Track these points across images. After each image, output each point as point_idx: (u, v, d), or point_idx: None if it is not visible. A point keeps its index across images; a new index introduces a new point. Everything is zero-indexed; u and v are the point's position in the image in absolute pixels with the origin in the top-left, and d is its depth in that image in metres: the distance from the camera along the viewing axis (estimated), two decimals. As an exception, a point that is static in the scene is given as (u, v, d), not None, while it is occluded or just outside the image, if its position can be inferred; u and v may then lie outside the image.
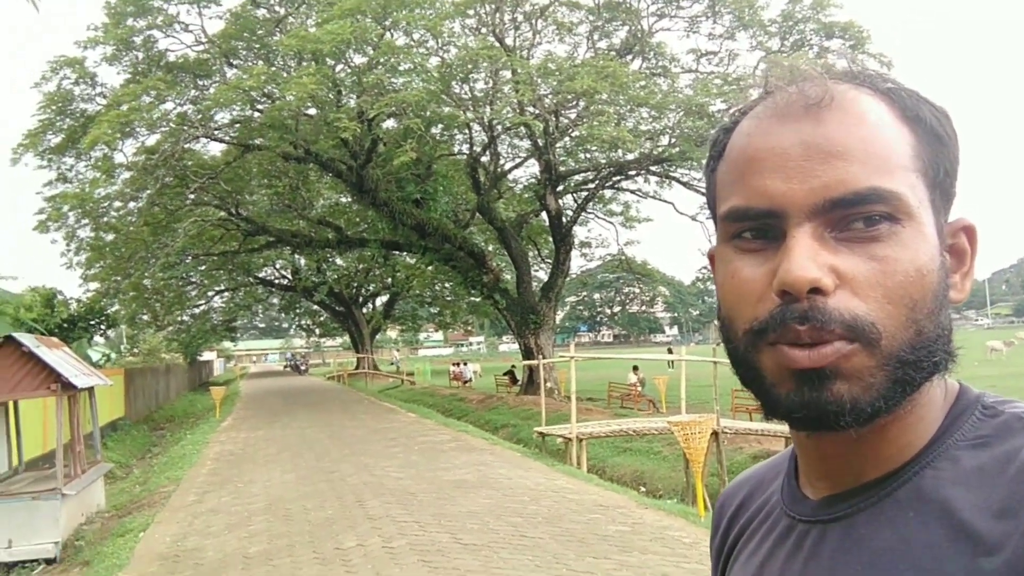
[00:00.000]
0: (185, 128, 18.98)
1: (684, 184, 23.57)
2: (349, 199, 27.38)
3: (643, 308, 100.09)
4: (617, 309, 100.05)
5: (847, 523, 0.62)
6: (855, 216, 0.58)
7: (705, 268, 28.59)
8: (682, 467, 12.82)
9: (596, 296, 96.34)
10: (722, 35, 21.44)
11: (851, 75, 0.63)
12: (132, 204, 21.59)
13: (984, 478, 0.57)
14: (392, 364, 42.17)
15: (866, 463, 0.63)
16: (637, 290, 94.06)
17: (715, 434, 10.27)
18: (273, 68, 19.67)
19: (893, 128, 0.61)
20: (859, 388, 0.57)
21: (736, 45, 21.95)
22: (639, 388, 21.80)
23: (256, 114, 19.91)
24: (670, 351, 26.49)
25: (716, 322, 0.67)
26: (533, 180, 24.95)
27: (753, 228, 0.62)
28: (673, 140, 21.20)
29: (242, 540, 7.26)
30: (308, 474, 10.60)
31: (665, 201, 25.65)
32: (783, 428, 13.72)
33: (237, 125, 20.56)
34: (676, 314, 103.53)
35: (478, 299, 33.67)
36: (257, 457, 12.61)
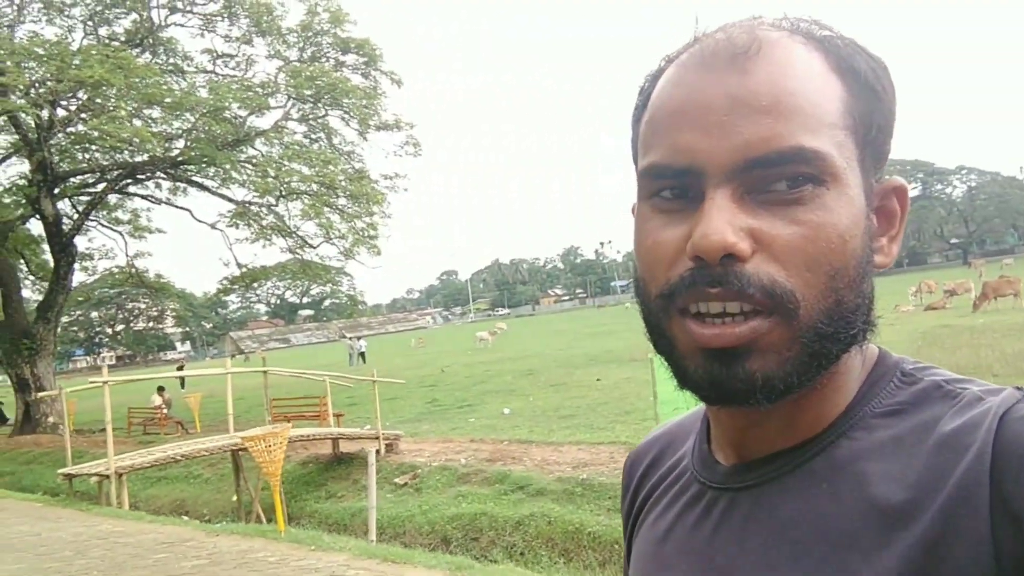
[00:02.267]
0: None
1: (204, 189, 22.45)
2: None
3: (151, 324, 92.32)
4: (120, 327, 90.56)
5: (758, 492, 0.61)
6: (777, 177, 0.55)
7: (226, 279, 27.43)
8: (230, 487, 12.26)
9: (94, 315, 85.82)
10: (239, 39, 20.97)
11: (784, 22, 0.60)
12: None
13: (900, 449, 0.55)
14: None
15: (779, 432, 0.61)
16: (143, 305, 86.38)
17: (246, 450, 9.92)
18: None
19: (824, 81, 0.57)
20: (773, 363, 0.55)
21: (254, 50, 21.77)
22: (165, 410, 20.12)
23: None
24: (180, 368, 25.00)
25: (632, 282, 0.64)
26: (23, 180, 21.23)
27: (672, 186, 0.58)
28: (190, 143, 20.03)
29: None
30: None
31: (181, 208, 24.17)
32: (330, 430, 14.02)
33: None
34: (188, 328, 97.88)
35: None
36: None
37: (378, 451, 12.67)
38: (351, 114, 21.38)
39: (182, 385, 25.94)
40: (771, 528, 0.58)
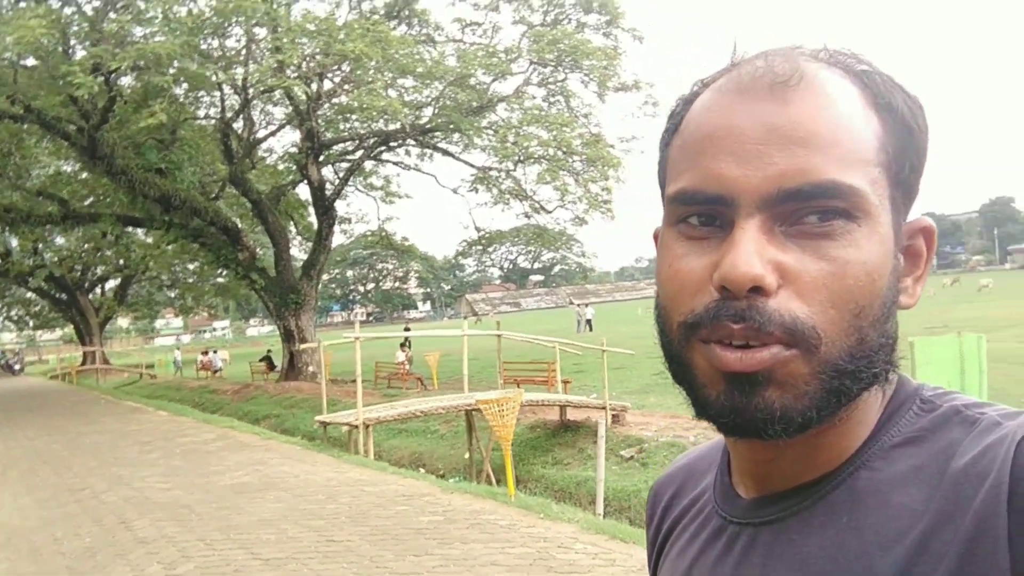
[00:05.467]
0: None
1: (448, 155, 23.50)
2: (74, 167, 23.97)
3: (397, 284, 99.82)
4: (371, 286, 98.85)
5: (779, 527, 0.60)
6: (809, 210, 0.54)
7: (465, 242, 28.85)
8: (462, 444, 12.79)
9: (349, 273, 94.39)
10: (487, 6, 21.36)
11: (823, 53, 0.59)
12: None
13: (920, 478, 0.54)
14: (175, 366, 33.91)
15: (800, 466, 0.60)
16: (390, 266, 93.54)
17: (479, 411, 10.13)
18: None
19: (861, 116, 0.56)
20: (791, 396, 0.54)
21: (500, 17, 22.18)
22: (407, 366, 21.53)
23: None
24: (407, 329, 26.36)
25: (654, 309, 0.62)
26: (293, 148, 23.50)
27: (700, 213, 0.57)
28: (437, 110, 20.97)
29: (-26, 588, 5.91)
30: (50, 495, 8.95)
31: (427, 174, 25.68)
32: (559, 397, 14.18)
33: (-71, 76, 16.90)
34: (429, 289, 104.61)
35: (227, 280, 31.29)
36: (-25, 479, 10.54)
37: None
38: (591, 76, 21.14)
39: (405, 344, 27.37)
40: (792, 564, 0.57)
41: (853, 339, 0.54)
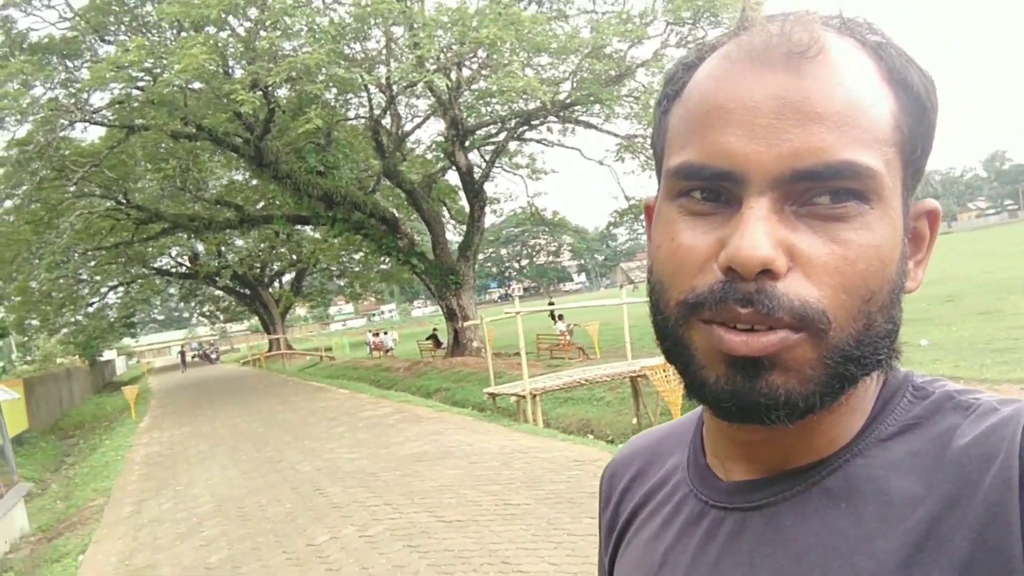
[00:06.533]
0: (59, 114, 17.24)
1: (590, 127, 23.38)
2: (244, 176, 25.99)
3: (550, 259, 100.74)
4: (525, 262, 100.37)
5: (769, 512, 0.57)
6: (821, 190, 0.51)
7: (616, 212, 28.64)
8: (629, 411, 12.81)
9: (503, 251, 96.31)
10: (617, -28, 21.02)
11: (836, 21, 0.54)
12: (8, 202, 19.83)
13: (919, 464, 0.53)
14: (376, 342, 33.85)
15: (791, 451, 0.57)
16: (543, 241, 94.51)
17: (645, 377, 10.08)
18: (147, 41, 18.10)
19: (878, 92, 0.52)
20: (796, 381, 0.51)
21: (632, -18, 21.73)
22: (568, 337, 21.75)
23: (135, 92, 18.32)
24: (551, 303, 26.43)
25: (647, 285, 0.59)
26: (439, 138, 24.25)
27: (704, 188, 0.54)
28: (575, 84, 20.92)
29: (199, 549, 6.62)
30: (253, 467, 9.91)
31: (571, 148, 25.71)
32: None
33: (116, 106, 18.87)
34: (583, 261, 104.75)
35: (390, 266, 32.79)
36: (190, 456, 11.77)
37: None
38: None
39: (552, 317, 27.48)
40: (786, 552, 0.55)
41: (861, 325, 0.52)
